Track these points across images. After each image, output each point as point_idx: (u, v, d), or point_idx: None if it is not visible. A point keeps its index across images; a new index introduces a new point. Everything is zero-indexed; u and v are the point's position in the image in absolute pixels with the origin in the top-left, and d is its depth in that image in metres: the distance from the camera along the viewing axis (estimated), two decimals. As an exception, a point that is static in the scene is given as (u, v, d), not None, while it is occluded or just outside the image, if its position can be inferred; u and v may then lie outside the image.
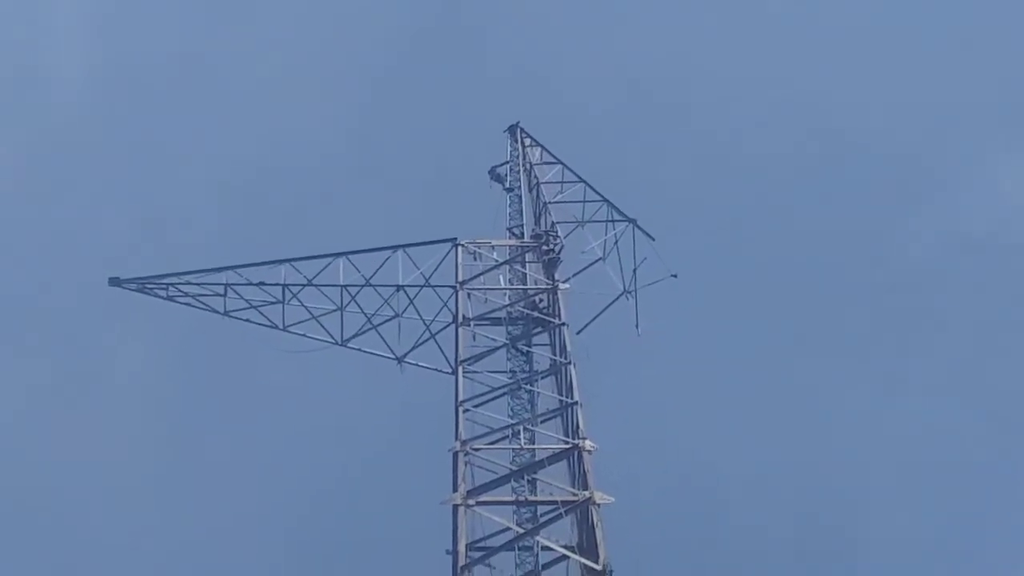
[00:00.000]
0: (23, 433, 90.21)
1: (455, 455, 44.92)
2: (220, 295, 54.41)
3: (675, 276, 55.74)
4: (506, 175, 59.26)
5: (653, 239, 56.21)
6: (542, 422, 47.29)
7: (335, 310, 53.76)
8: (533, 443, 46.22)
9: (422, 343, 53.25)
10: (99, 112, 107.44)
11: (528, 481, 44.75)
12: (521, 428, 46.72)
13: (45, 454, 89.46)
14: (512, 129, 61.34)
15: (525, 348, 50.76)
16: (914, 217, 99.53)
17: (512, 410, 47.88)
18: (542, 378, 49.31)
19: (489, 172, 59.68)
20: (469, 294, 52.72)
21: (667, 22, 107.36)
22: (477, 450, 45.38)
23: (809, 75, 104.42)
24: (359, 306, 53.60)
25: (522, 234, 56.39)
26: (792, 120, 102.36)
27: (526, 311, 52.14)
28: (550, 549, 42.87)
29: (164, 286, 54.87)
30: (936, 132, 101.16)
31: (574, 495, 43.46)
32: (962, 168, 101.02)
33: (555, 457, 45.15)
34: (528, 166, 59.57)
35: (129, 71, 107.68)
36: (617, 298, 55.82)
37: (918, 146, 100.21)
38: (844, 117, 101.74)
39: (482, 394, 48.30)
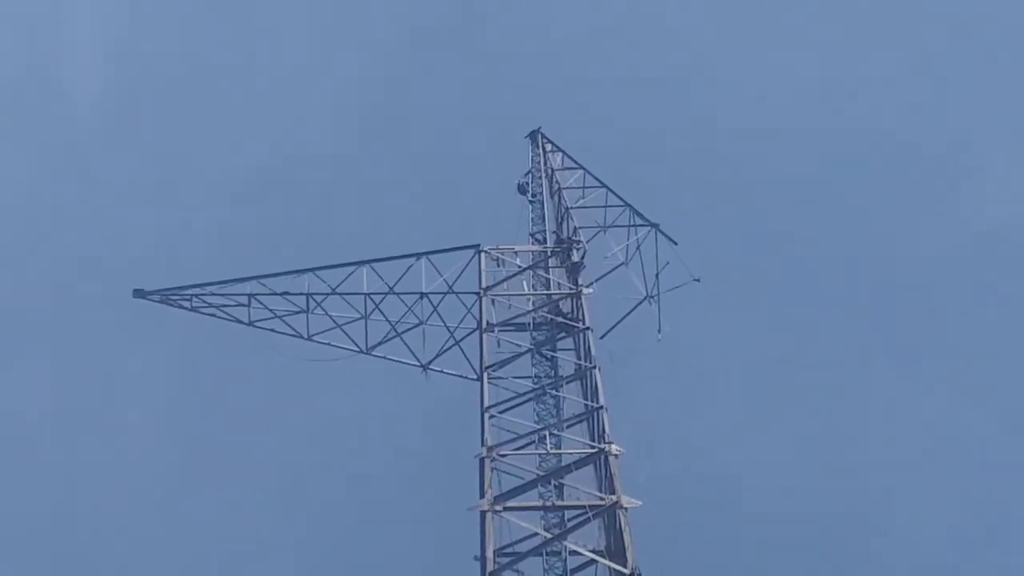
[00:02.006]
0: (45, 442, 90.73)
1: (482, 461, 44.90)
2: (244, 305, 54.54)
3: (698, 280, 55.77)
4: (528, 185, 59.25)
5: (676, 243, 56.20)
6: (568, 427, 47.28)
7: (359, 318, 53.87)
8: (559, 448, 46.19)
9: (446, 350, 53.35)
10: (117, 125, 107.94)
11: (555, 486, 44.74)
12: (547, 433, 46.67)
13: (66, 465, 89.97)
14: (533, 135, 61.41)
15: (550, 353, 50.79)
16: (931, 216, 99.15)
17: (538, 415, 47.88)
18: (567, 383, 49.27)
19: (518, 187, 59.52)
20: (493, 300, 52.76)
21: (688, 25, 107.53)
22: (504, 456, 45.35)
23: (828, 75, 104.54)
24: (383, 314, 53.70)
25: (545, 240, 56.41)
26: (810, 121, 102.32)
27: (550, 316, 52.19)
28: (578, 554, 42.81)
29: (188, 297, 55.06)
30: (951, 130, 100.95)
31: (601, 499, 43.40)
32: (978, 165, 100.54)
33: (581, 462, 45.12)
34: (550, 171, 59.62)
35: (145, 84, 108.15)
36: (640, 303, 55.86)
37: (934, 144, 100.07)
38: (860, 117, 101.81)
39: (507, 400, 48.30)
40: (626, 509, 42.44)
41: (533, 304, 52.92)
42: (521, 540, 43.08)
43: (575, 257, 54.31)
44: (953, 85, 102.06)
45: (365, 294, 53.69)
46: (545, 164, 59.94)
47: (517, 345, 50.95)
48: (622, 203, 57.38)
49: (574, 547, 42.87)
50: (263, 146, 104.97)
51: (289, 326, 54.41)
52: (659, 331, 55.74)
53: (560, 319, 52.01)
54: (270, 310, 54.44)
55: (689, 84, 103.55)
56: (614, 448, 44.63)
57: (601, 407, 46.67)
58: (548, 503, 44.26)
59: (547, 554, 42.98)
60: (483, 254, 54.21)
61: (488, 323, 51.69)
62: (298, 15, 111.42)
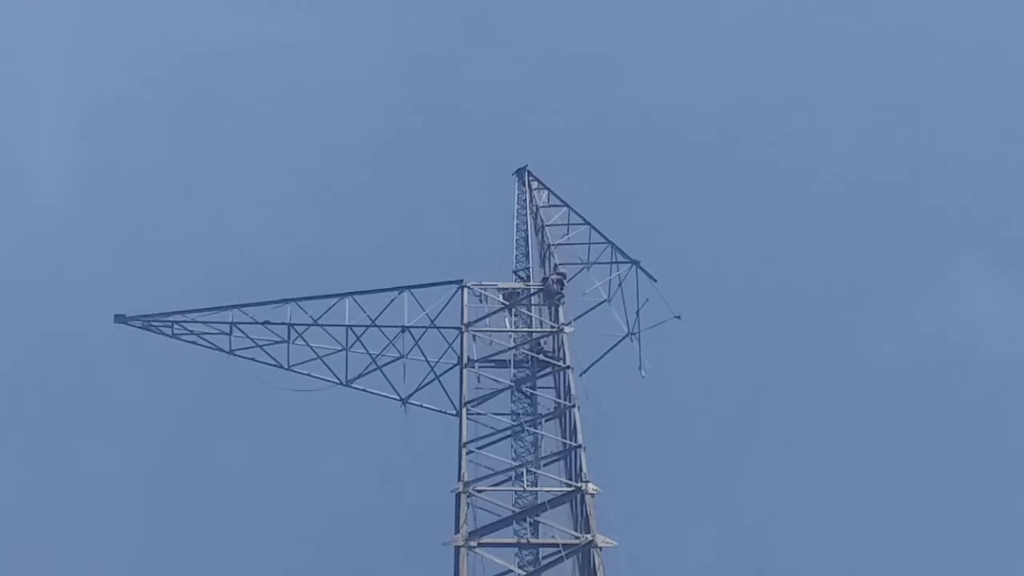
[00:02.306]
0: (25, 475, 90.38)
1: (458, 496, 44.86)
2: (225, 333, 54.57)
3: (679, 317, 55.90)
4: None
5: (655, 280, 56.36)
6: (545, 465, 47.28)
7: (340, 350, 53.89)
8: (536, 485, 46.18)
9: (426, 384, 53.37)
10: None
11: (530, 523, 44.73)
12: (524, 470, 46.71)
13: (45, 494, 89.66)
14: (520, 172, 61.67)
15: (529, 390, 50.83)
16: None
17: (515, 452, 47.87)
18: (546, 420, 49.35)
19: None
20: (474, 336, 52.83)
21: (666, 67, 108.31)
22: (480, 492, 45.33)
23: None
24: (364, 346, 53.74)
25: (528, 276, 56.52)
26: (785, 146, 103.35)
27: (531, 354, 52.24)
28: (552, 592, 42.85)
29: (169, 324, 55.06)
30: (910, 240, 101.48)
31: (576, 538, 43.40)
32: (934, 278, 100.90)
33: (558, 500, 45.13)
34: (535, 209, 59.86)
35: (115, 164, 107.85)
36: (621, 340, 55.92)
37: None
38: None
39: (486, 436, 48.32)
40: (601, 548, 42.43)
41: (514, 341, 52.96)
42: (495, 577, 43.02)
43: (557, 289, 54.37)
44: (914, 189, 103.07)
45: (347, 326, 53.72)
46: (531, 201, 60.19)
47: (497, 381, 50.98)
48: (604, 240, 57.58)
49: (548, 585, 42.82)
50: (248, 184, 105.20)
51: (270, 355, 54.42)
52: (640, 368, 55.78)
53: (541, 356, 52.05)
54: (251, 339, 54.45)
55: (675, 124, 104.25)
56: (591, 487, 44.64)
57: (579, 446, 46.69)
58: (523, 540, 44.22)
59: (520, 592, 42.91)
60: (466, 289, 54.31)
61: (469, 359, 51.72)
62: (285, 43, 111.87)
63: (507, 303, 54.61)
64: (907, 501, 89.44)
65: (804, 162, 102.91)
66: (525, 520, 44.68)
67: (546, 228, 58.66)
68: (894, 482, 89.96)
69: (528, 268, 57.04)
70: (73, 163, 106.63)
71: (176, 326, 54.96)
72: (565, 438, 47.98)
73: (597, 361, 54.98)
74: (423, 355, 53.36)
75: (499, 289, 55.18)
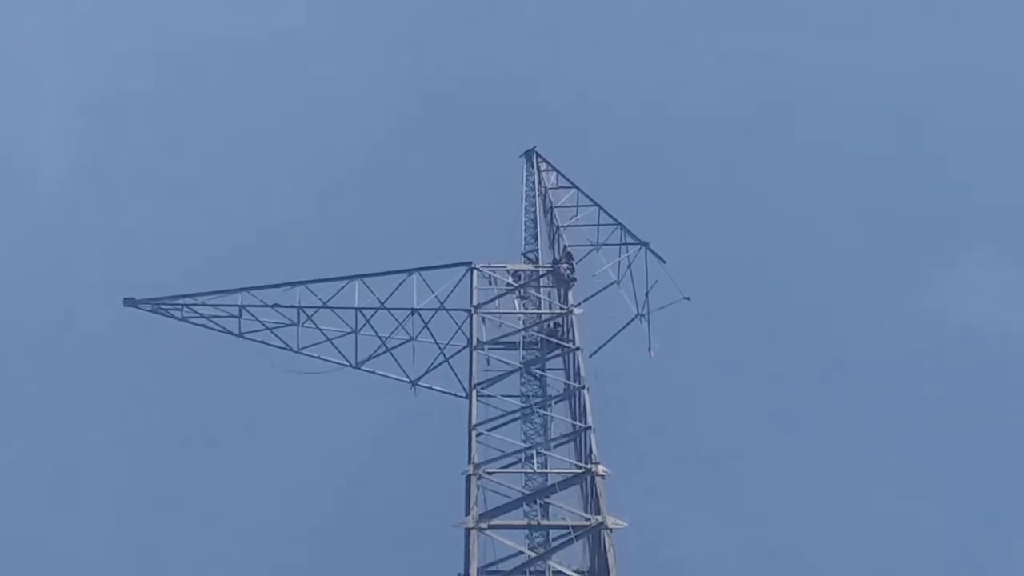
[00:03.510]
0: (36, 453, 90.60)
1: (468, 478, 44.92)
2: (235, 316, 54.53)
3: (688, 299, 55.86)
4: None
5: (664, 262, 56.32)
6: (555, 446, 47.31)
7: (349, 333, 53.87)
8: (546, 467, 46.23)
9: (436, 367, 53.34)
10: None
11: (540, 505, 44.81)
12: (534, 452, 46.71)
13: (57, 471, 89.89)
14: (528, 154, 61.59)
15: (539, 372, 50.85)
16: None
17: (525, 434, 47.90)
18: (555, 402, 49.38)
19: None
20: (484, 318, 52.83)
21: (676, 49, 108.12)
22: (490, 474, 45.38)
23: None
24: (373, 329, 53.69)
25: (537, 258, 56.51)
26: (793, 129, 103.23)
27: (540, 335, 52.23)
28: (562, 574, 42.86)
29: (179, 307, 55.01)
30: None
31: (586, 520, 43.47)
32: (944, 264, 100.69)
33: (568, 481, 45.16)
34: (543, 190, 59.80)
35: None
36: (630, 322, 55.93)
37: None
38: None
39: (495, 418, 48.38)
40: (611, 530, 42.45)
41: (524, 323, 52.95)
42: (505, 559, 43.09)
43: (567, 276, 54.37)
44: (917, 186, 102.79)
45: (356, 308, 53.69)
46: (539, 183, 60.12)
47: (507, 363, 50.98)
48: (613, 222, 57.53)
49: (558, 567, 42.90)
50: (258, 169, 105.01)
51: (279, 338, 54.40)
52: (650, 349, 55.79)
53: (550, 339, 52.05)
54: (260, 322, 54.43)
55: (683, 105, 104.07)
56: (601, 469, 44.65)
57: (589, 427, 46.72)
58: (533, 522, 44.31)
59: (531, 573, 43.04)
60: (475, 271, 54.28)
61: (478, 341, 51.73)
62: (288, 31, 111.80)
63: (516, 285, 54.59)
64: (910, 483, 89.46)
65: (815, 145, 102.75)
66: (535, 502, 44.76)
67: (555, 210, 58.55)
68: (899, 467, 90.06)
69: (537, 250, 57.05)
70: (77, 152, 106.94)
71: (185, 309, 54.92)
72: (575, 420, 48.01)
73: (607, 343, 55.10)
74: (432, 337, 53.35)
75: (508, 271, 55.16)
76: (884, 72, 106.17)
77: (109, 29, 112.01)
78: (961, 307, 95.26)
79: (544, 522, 44.31)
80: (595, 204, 58.30)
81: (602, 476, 44.45)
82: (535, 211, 58.94)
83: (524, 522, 44.36)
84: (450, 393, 52.41)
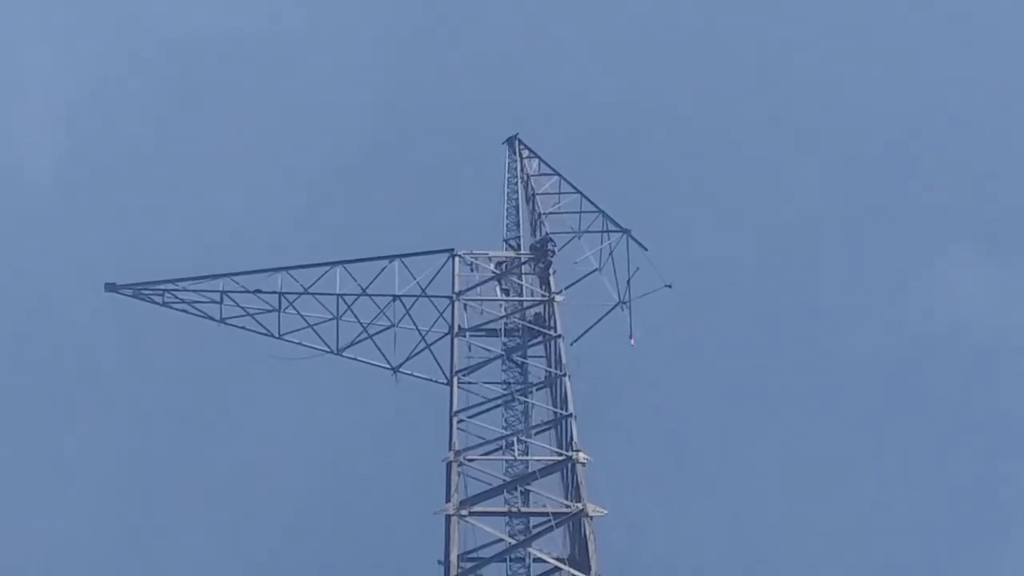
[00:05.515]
0: (18, 440, 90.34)
1: (448, 465, 44.95)
2: (216, 302, 54.45)
3: (670, 286, 55.86)
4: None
5: (646, 249, 56.30)
6: (536, 434, 47.31)
7: (331, 319, 53.82)
8: (527, 454, 46.22)
9: (417, 353, 53.32)
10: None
11: (521, 492, 44.80)
12: (515, 439, 46.71)
13: (38, 459, 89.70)
14: (511, 141, 61.51)
15: (520, 359, 50.84)
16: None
17: (506, 421, 47.92)
18: (537, 390, 49.39)
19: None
20: (465, 305, 52.81)
21: (658, 34, 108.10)
22: (471, 461, 45.39)
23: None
24: (355, 315, 53.65)
25: (519, 245, 56.48)
26: (784, 121, 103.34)
27: (522, 323, 52.22)
28: (542, 561, 42.90)
29: (160, 292, 54.93)
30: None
31: (567, 507, 43.51)
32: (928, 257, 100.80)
33: (548, 469, 45.20)
34: (526, 177, 59.74)
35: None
36: (612, 309, 55.91)
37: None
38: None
39: (477, 405, 48.35)
40: (592, 517, 42.50)
41: (505, 310, 52.94)
42: (485, 545, 43.12)
43: (548, 263, 54.34)
44: (902, 184, 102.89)
45: (337, 295, 53.65)
46: (521, 170, 60.06)
47: (488, 350, 50.96)
48: (595, 209, 57.50)
49: (538, 554, 42.94)
50: (242, 153, 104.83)
51: (260, 324, 54.37)
52: (631, 337, 55.78)
53: (532, 326, 52.05)
54: (242, 308, 54.36)
55: (665, 91, 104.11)
56: (581, 456, 44.68)
57: (570, 415, 46.75)
58: (514, 509, 44.31)
59: (511, 560, 43.07)
60: (457, 258, 54.25)
61: (460, 327, 51.70)
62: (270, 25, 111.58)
63: (498, 272, 54.58)
64: (896, 475, 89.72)
65: (797, 136, 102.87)
66: (516, 489, 44.74)
67: (537, 197, 58.52)
68: (883, 459, 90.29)
69: (519, 237, 56.99)
70: (62, 143, 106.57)
71: (166, 294, 54.83)
72: (556, 407, 48.02)
73: (588, 330, 55.09)
74: (414, 324, 53.33)
75: (490, 258, 55.12)
76: (868, 71, 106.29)
77: (96, 24, 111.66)
78: (947, 305, 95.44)
79: (525, 509, 44.31)
80: (577, 191, 58.29)
81: (583, 463, 44.49)
82: (517, 198, 58.87)
83: (505, 509, 44.36)
84: (431, 380, 52.38)
